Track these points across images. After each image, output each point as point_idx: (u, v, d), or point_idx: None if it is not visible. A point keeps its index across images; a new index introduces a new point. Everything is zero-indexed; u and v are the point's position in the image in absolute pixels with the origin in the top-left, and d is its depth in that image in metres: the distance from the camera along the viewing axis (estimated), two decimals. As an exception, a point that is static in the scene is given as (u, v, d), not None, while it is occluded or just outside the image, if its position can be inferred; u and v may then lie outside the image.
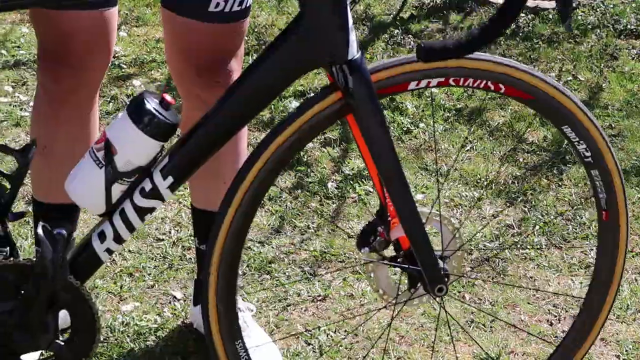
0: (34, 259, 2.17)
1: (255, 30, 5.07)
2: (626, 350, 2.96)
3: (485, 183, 3.83)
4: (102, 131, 2.13)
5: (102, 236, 2.19)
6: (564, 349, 2.47)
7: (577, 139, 2.24)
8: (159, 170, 2.13)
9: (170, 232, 3.45)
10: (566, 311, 3.12)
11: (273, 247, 3.40)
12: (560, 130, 2.25)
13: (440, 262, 2.25)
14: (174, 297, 3.13)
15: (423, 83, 2.16)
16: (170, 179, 2.13)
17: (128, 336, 2.95)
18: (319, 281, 3.24)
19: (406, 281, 2.31)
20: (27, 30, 4.91)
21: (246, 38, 4.68)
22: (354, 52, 2.07)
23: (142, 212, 2.17)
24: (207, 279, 2.22)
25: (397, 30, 5.11)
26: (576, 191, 3.78)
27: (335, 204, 3.66)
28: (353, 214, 3.59)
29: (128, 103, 2.10)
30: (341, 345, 2.95)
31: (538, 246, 3.46)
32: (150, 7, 5.31)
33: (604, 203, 2.32)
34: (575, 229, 3.54)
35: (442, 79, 2.16)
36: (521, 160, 4.00)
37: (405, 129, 4.17)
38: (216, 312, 2.25)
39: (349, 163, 3.94)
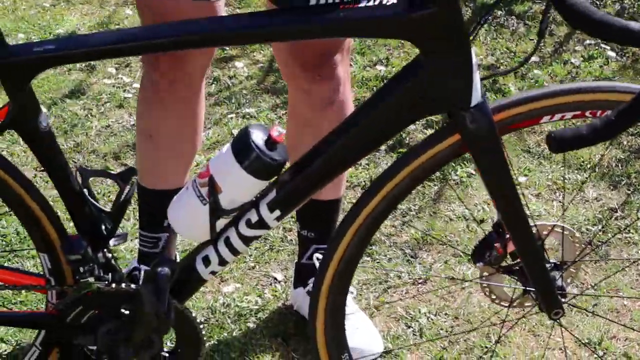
0: (137, 286, 2.20)
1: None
2: None
3: (589, 166, 3.79)
4: (207, 164, 2.08)
5: (206, 261, 2.18)
6: None
7: None
8: (265, 203, 2.09)
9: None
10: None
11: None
12: None
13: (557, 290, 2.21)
14: (275, 278, 3.15)
15: (557, 116, 2.09)
16: (277, 212, 2.09)
17: (229, 317, 2.98)
18: (420, 263, 3.23)
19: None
20: (131, 12, 4.96)
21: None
22: (478, 97, 1.98)
23: (247, 240, 2.15)
24: (317, 295, 2.22)
25: (500, 12, 5.06)
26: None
27: (437, 187, 3.64)
28: (454, 197, 3.57)
29: (233, 138, 2.02)
30: (442, 329, 2.94)
31: (641, 230, 3.42)
32: (253, -12, 5.33)
33: None
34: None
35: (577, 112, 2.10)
36: (625, 143, 3.95)
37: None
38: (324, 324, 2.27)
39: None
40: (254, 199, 2.09)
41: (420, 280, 3.16)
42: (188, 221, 2.15)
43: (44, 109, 4.03)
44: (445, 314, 3.00)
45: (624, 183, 3.67)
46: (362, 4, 1.89)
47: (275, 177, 2.06)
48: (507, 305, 2.30)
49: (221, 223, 2.10)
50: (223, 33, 2.00)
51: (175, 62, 2.62)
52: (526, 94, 2.08)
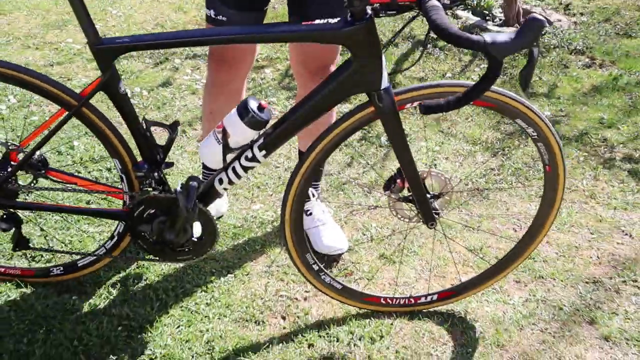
0: (176, 193, 2.28)
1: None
2: (562, 250, 2.94)
3: (479, 141, 3.79)
4: (222, 121, 2.19)
5: (221, 181, 2.28)
6: (521, 244, 2.46)
7: (526, 126, 2.22)
8: (257, 145, 2.20)
9: (283, 163, 3.47)
10: (526, 223, 3.10)
11: (345, 175, 3.42)
12: (514, 121, 2.23)
13: (433, 204, 2.32)
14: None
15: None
16: (264, 152, 2.20)
17: (255, 224, 3.00)
18: (372, 197, 3.25)
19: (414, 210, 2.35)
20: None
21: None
22: (385, 83, 2.05)
23: (245, 169, 2.25)
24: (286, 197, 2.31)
25: (429, 45, 5.04)
26: (536, 149, 3.73)
27: (385, 150, 3.65)
28: (395, 157, 3.58)
29: (238, 105, 2.15)
30: (384, 236, 2.97)
31: (510, 183, 3.43)
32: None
33: (547, 160, 2.29)
34: (534, 173, 3.50)
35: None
36: (502, 128, 3.95)
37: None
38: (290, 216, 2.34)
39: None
40: (250, 142, 2.20)
41: (372, 207, 3.18)
42: (210, 155, 2.25)
43: (144, 92, 4.07)
44: (387, 227, 3.03)
45: (500, 153, 3.69)
46: (316, 22, 1.99)
47: (263, 129, 2.17)
48: (408, 220, 2.38)
49: (229, 157, 2.22)
50: (233, 36, 2.07)
51: (230, 68, 2.65)
52: (414, 86, 2.15)
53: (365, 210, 3.13)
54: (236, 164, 2.24)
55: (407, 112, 4.02)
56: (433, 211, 2.31)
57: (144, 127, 2.22)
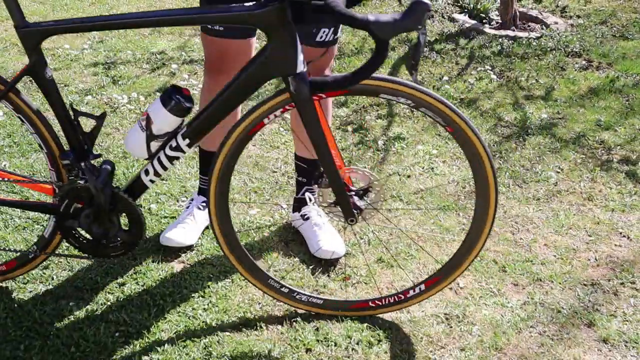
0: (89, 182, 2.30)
1: (338, 45, 5.04)
2: (560, 252, 2.93)
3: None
4: (146, 110, 2.23)
5: (147, 172, 2.30)
6: (479, 208, 2.35)
7: (432, 114, 2.20)
8: (180, 134, 2.22)
9: (280, 167, 3.47)
10: (523, 226, 3.10)
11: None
12: (419, 110, 2.21)
13: (356, 202, 2.29)
14: (281, 206, 3.16)
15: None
16: (187, 140, 2.22)
17: (252, 229, 2.99)
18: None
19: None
20: (198, 40, 4.93)
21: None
22: (301, 68, 2.06)
23: (171, 159, 2.27)
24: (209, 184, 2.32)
25: (425, 49, 5.05)
26: (533, 152, 3.72)
27: (382, 154, 3.65)
28: (393, 161, 3.59)
29: (162, 92, 2.20)
30: (380, 240, 2.96)
31: (507, 185, 3.43)
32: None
33: (442, 121, 2.22)
34: (532, 176, 3.50)
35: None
36: (499, 131, 3.95)
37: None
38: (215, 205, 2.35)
39: (392, 129, 3.92)
40: (174, 131, 2.22)
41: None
42: (134, 143, 2.27)
43: (141, 97, 4.06)
44: (385, 231, 3.03)
45: (497, 156, 3.69)
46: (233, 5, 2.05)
47: (186, 117, 2.22)
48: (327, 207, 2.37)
49: (154, 148, 2.24)
50: (148, 19, 2.13)
51: (226, 75, 2.65)
52: (324, 77, 2.13)
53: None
54: (161, 154, 2.26)
55: (404, 116, 4.02)
56: (354, 208, 2.29)
57: (72, 116, 2.24)
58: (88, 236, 2.39)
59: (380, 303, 2.49)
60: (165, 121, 2.19)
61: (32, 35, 2.12)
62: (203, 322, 2.46)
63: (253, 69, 2.12)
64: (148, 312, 2.49)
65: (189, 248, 2.82)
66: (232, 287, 2.63)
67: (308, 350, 2.37)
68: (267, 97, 2.21)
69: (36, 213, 2.92)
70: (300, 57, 2.06)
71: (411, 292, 2.48)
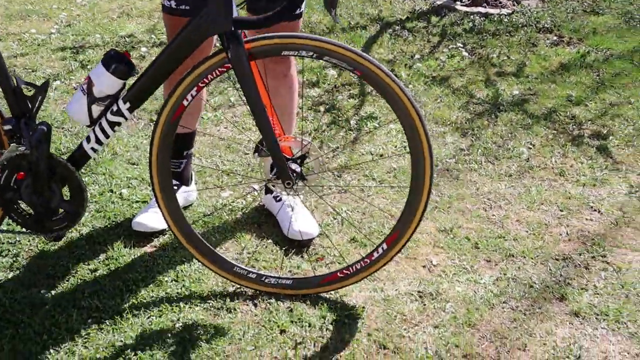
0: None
1: (309, 25, 5.02)
2: (532, 228, 2.95)
3: (449, 122, 3.80)
4: (87, 74, 2.26)
5: (88, 140, 2.32)
6: (414, 154, 2.32)
7: (337, 61, 2.19)
8: (121, 98, 2.25)
9: (252, 149, 3.45)
10: (496, 202, 3.11)
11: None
12: (323, 59, 2.21)
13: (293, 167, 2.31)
14: (254, 188, 3.16)
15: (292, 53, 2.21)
16: (128, 104, 2.25)
17: (225, 212, 2.98)
18: (342, 180, 3.25)
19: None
20: (169, 23, 4.88)
21: (304, 31, 4.67)
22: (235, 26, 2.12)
23: (112, 125, 2.29)
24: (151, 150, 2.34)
25: (397, 27, 5.04)
26: (505, 129, 3.74)
27: (355, 134, 3.65)
28: (366, 140, 3.59)
29: (104, 55, 2.24)
30: (355, 220, 2.96)
31: (479, 162, 3.44)
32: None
33: (350, 65, 2.21)
34: (504, 153, 3.52)
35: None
36: (471, 109, 3.97)
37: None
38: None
39: (364, 109, 3.92)
40: (115, 95, 2.25)
41: (343, 190, 3.17)
42: (75, 108, 2.29)
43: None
44: (357, 210, 3.03)
45: (470, 134, 3.70)
46: None
47: (127, 80, 2.25)
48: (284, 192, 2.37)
49: (96, 112, 2.26)
50: None
51: (191, 60, 2.65)
52: (267, 35, 2.19)
53: (335, 194, 3.12)
54: (103, 120, 2.28)
55: (375, 95, 4.02)
56: (292, 173, 2.30)
57: (15, 84, 2.25)
58: (30, 211, 2.38)
59: (348, 272, 2.48)
60: (106, 83, 2.22)
61: None
62: (176, 306, 2.46)
63: (188, 29, 2.15)
64: (121, 297, 2.48)
65: (161, 232, 2.81)
66: (206, 270, 2.62)
67: (282, 331, 2.37)
68: (204, 58, 2.23)
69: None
70: (235, 13, 2.11)
71: (375, 254, 2.45)
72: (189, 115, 2.47)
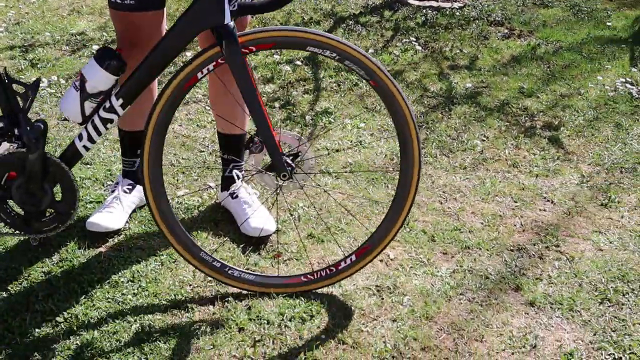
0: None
1: (263, 21, 4.99)
2: (487, 220, 2.98)
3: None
4: (80, 70, 2.28)
5: (80, 137, 2.32)
6: (404, 170, 2.39)
7: (354, 66, 2.24)
8: (114, 94, 2.26)
9: (208, 146, 3.43)
10: (451, 195, 3.13)
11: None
12: (344, 63, 2.25)
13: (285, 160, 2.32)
14: (210, 186, 3.13)
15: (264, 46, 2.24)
16: (121, 100, 2.26)
17: (181, 210, 2.95)
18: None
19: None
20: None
21: (252, 22, 4.64)
22: (228, 20, 2.13)
23: (104, 122, 2.29)
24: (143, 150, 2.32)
25: (351, 22, 5.04)
26: (459, 121, 3.77)
27: (310, 129, 3.64)
28: (321, 135, 3.58)
29: (95, 52, 2.25)
30: (311, 215, 2.95)
31: (434, 155, 3.46)
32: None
33: (366, 75, 2.27)
34: (458, 145, 3.54)
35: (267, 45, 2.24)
36: (425, 102, 3.99)
37: (354, 83, 4.14)
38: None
39: (319, 104, 3.91)
40: (108, 92, 2.26)
41: (298, 187, 3.15)
42: (68, 104, 2.29)
43: (62, 81, 3.94)
44: (314, 207, 3.02)
45: (424, 127, 3.72)
46: None
47: (119, 75, 2.26)
48: (272, 187, 2.41)
49: (88, 109, 2.27)
50: None
51: (141, 51, 2.61)
52: (262, 28, 2.24)
53: (291, 190, 3.11)
54: (95, 117, 2.28)
55: (330, 90, 4.02)
56: (287, 166, 2.32)
57: (6, 82, 2.23)
58: (20, 211, 2.35)
59: (312, 277, 2.48)
60: (98, 79, 2.22)
61: None
62: (133, 307, 2.42)
63: (182, 22, 2.18)
64: (76, 300, 2.44)
65: (117, 232, 2.77)
66: (162, 270, 2.59)
67: (241, 329, 2.35)
68: (198, 52, 2.24)
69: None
70: (227, 8, 2.12)
71: (342, 264, 2.47)
72: (141, 113, 2.44)
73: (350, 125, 3.67)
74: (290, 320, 2.39)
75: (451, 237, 2.84)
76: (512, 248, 2.80)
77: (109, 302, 2.44)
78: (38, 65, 4.16)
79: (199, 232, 2.82)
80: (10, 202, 2.37)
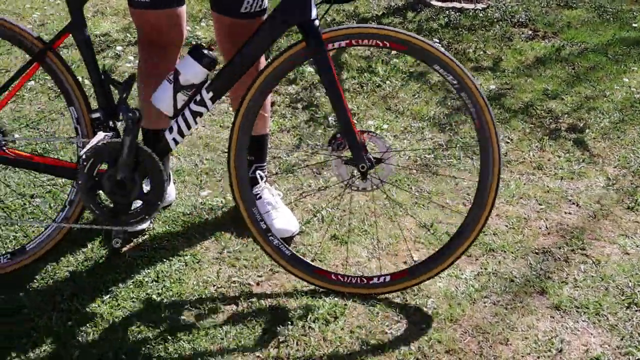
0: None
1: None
2: (511, 222, 2.96)
3: (426, 117, 3.80)
4: (174, 66, 2.35)
5: (171, 130, 2.35)
6: (470, 218, 2.44)
7: (445, 73, 2.27)
8: (205, 88, 2.31)
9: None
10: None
11: (294, 157, 3.40)
12: (432, 67, 2.28)
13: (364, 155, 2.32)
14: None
15: (343, 43, 2.27)
16: (211, 93, 2.31)
17: (204, 211, 2.96)
18: (322, 178, 3.24)
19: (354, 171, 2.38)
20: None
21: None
22: (314, 15, 2.20)
23: (194, 115, 2.33)
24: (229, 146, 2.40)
25: (374, 23, 5.03)
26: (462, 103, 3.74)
27: (334, 130, 3.64)
28: (344, 137, 3.57)
29: (190, 49, 2.32)
30: (334, 216, 2.95)
31: (458, 157, 3.45)
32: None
33: (475, 115, 2.32)
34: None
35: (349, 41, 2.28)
36: (449, 103, 3.97)
37: (377, 84, 4.13)
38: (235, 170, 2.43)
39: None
40: (199, 85, 2.31)
41: (322, 188, 3.16)
42: (161, 96, 2.34)
43: (87, 82, 3.97)
44: (338, 207, 3.02)
45: (448, 129, 3.70)
46: None
47: (211, 70, 2.32)
48: (343, 178, 2.40)
49: (180, 102, 2.32)
50: None
51: (161, 51, 2.65)
52: (345, 26, 2.29)
53: (315, 192, 3.11)
54: (186, 110, 2.32)
55: (354, 91, 4.01)
56: (367, 161, 2.32)
57: (103, 76, 2.33)
58: (109, 204, 2.38)
59: (342, 280, 2.48)
60: (193, 72, 2.29)
61: None
62: (157, 307, 2.43)
63: (272, 19, 2.24)
64: (101, 299, 2.45)
65: (141, 232, 2.78)
66: (186, 270, 2.60)
67: (265, 330, 2.35)
68: (284, 48, 2.30)
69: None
70: (313, 4, 2.19)
71: (375, 280, 2.48)
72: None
73: (374, 126, 3.66)
74: (314, 322, 2.39)
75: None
76: (537, 251, 2.78)
77: (133, 301, 2.45)
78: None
79: (222, 232, 2.82)
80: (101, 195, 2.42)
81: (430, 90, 4.11)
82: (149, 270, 2.59)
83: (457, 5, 5.36)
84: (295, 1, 2.20)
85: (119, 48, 4.47)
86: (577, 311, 2.47)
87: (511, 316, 2.45)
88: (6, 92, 2.43)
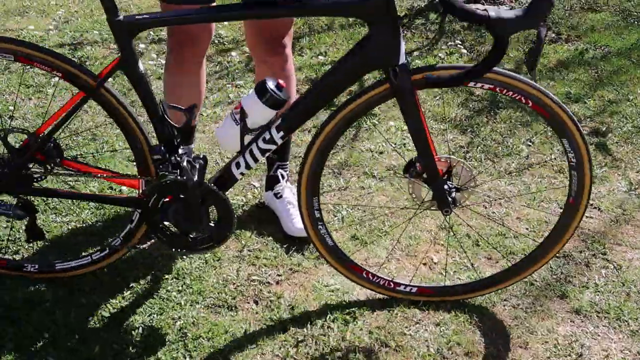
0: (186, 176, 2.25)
1: (306, 18, 4.99)
2: (532, 225, 2.94)
3: (448, 119, 3.79)
4: (239, 102, 2.18)
5: (238, 165, 2.27)
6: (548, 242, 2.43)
7: (569, 149, 2.24)
8: (274, 127, 2.19)
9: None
10: (496, 199, 3.10)
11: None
12: (561, 141, 2.24)
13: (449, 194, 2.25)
14: (254, 185, 3.14)
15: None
16: (281, 133, 2.20)
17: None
18: (342, 177, 3.23)
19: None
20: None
21: (297, 23, 4.65)
22: (403, 59, 2.04)
23: (263, 152, 2.24)
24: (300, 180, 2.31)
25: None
26: (504, 126, 3.72)
27: (354, 131, 3.63)
28: (364, 137, 3.57)
29: (256, 85, 2.15)
30: (355, 217, 2.95)
31: (479, 159, 3.43)
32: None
33: (574, 192, 2.34)
34: (503, 150, 3.51)
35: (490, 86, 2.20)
36: (470, 106, 3.95)
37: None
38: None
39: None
40: (268, 124, 2.20)
41: (343, 188, 3.16)
42: (228, 137, 2.24)
43: (109, 79, 3.99)
44: (358, 208, 3.02)
45: (469, 131, 3.69)
46: None
47: (281, 109, 2.18)
48: (419, 202, 2.32)
49: (247, 140, 2.21)
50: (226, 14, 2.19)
51: (192, 44, 2.63)
52: (432, 65, 2.23)
53: (335, 191, 3.11)
54: (254, 147, 2.23)
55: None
56: (450, 199, 2.25)
57: (162, 109, 2.20)
58: (175, 230, 2.34)
59: (371, 278, 2.47)
60: (260, 114, 2.17)
61: (126, 28, 2.09)
62: (177, 304, 2.44)
63: (354, 61, 2.10)
64: (121, 295, 2.46)
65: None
66: (206, 268, 2.61)
67: (284, 329, 2.36)
68: (366, 88, 2.17)
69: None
70: (403, 48, 2.03)
71: (402, 287, 2.48)
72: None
73: (394, 127, 3.65)
74: (333, 322, 2.39)
75: (496, 242, 2.81)
76: (557, 255, 2.76)
77: (153, 298, 2.46)
78: (87, 64, 4.22)
79: (243, 231, 2.83)
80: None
81: (452, 91, 4.09)
82: (169, 267, 2.60)
83: (480, 7, 5.33)
84: (382, 46, 2.03)
85: (142, 45, 4.49)
86: (597, 316, 2.46)
87: (531, 320, 2.43)
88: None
